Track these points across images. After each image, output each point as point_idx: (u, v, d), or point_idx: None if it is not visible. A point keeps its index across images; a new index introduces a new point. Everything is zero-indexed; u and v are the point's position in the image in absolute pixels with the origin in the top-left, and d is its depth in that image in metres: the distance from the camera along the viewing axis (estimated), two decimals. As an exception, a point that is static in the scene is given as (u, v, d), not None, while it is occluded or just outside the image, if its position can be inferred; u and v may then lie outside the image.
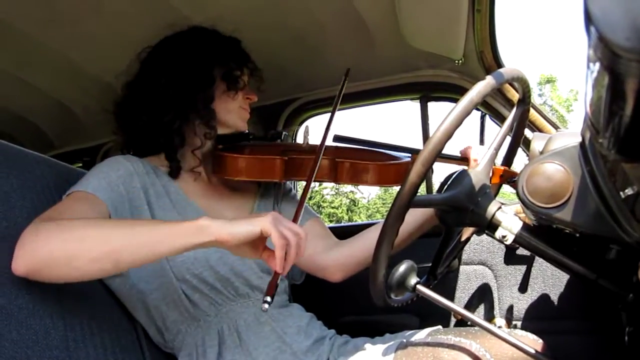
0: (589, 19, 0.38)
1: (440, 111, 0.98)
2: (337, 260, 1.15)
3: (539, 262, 1.38)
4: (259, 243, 0.84)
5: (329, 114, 1.22)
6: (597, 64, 0.42)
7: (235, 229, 0.80)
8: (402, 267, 0.85)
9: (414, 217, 1.09)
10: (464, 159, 1.13)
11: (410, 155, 1.19)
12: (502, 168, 1.08)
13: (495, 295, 1.42)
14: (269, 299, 0.82)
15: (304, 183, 1.09)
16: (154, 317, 1.04)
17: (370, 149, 1.22)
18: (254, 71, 1.24)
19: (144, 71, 1.16)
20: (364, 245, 1.12)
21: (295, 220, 0.95)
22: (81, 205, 0.92)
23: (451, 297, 1.47)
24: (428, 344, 0.91)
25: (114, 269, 0.82)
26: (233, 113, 1.17)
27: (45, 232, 0.79)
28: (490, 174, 0.98)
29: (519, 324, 1.37)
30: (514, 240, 0.87)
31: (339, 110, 1.24)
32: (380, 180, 1.14)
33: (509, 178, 1.08)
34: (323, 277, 1.18)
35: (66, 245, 0.78)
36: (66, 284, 0.83)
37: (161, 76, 1.11)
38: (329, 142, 1.14)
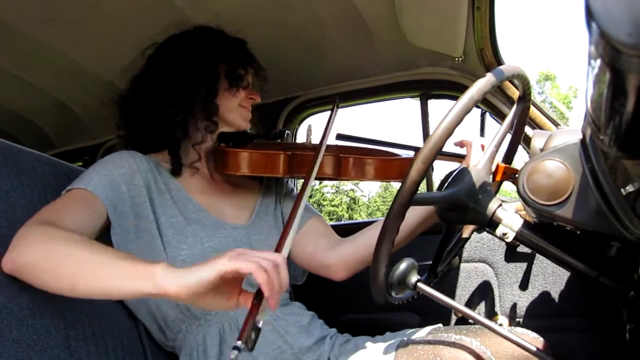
0: (590, 15, 0.37)
1: (441, 109, 0.98)
2: (340, 258, 1.15)
3: (539, 259, 1.37)
4: (232, 288, 0.72)
5: (329, 112, 1.22)
6: (598, 61, 0.42)
7: (184, 278, 0.68)
8: (402, 265, 0.85)
9: (415, 214, 1.09)
10: (465, 156, 1.12)
11: (412, 153, 1.19)
12: (503, 166, 1.08)
13: (496, 292, 1.42)
14: (239, 343, 0.62)
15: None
16: (156, 316, 1.04)
17: (372, 147, 1.22)
18: (258, 71, 1.25)
19: (151, 65, 1.17)
20: (367, 242, 1.11)
21: (292, 216, 0.87)
22: (78, 205, 0.92)
23: (452, 295, 1.46)
24: (429, 342, 0.91)
25: (71, 293, 0.76)
26: (234, 111, 1.18)
27: (32, 238, 0.79)
28: (491, 172, 0.98)
29: (520, 321, 1.37)
30: (515, 238, 0.87)
31: (340, 108, 1.24)
32: (383, 175, 1.14)
33: (510, 176, 1.08)
34: (326, 275, 1.17)
35: (44, 256, 0.77)
36: None
37: (168, 69, 1.13)
38: (332, 141, 1.14)
